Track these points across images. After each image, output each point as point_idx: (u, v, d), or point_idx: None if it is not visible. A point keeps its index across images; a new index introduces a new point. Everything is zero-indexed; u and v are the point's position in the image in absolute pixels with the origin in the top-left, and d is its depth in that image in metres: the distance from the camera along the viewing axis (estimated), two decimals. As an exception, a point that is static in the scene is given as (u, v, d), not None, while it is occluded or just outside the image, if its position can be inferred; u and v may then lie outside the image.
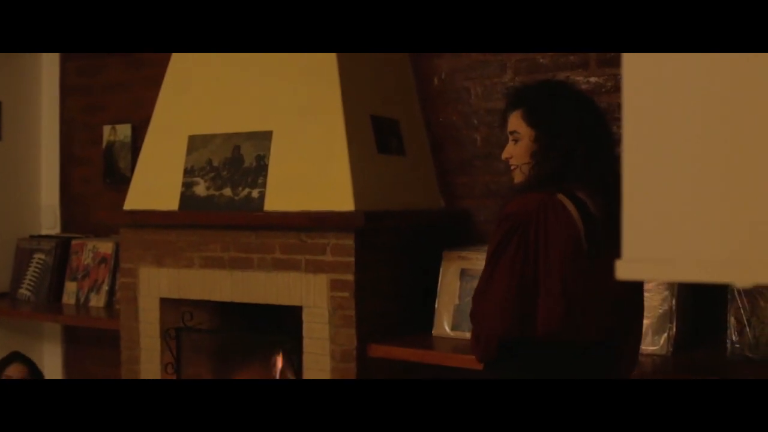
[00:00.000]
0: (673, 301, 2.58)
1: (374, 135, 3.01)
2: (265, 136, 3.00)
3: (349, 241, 2.77)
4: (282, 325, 3.10)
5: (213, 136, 3.12)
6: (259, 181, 2.96)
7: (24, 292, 4.04)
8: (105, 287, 3.82)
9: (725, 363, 2.46)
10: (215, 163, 3.09)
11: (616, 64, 2.96)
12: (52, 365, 4.22)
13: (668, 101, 0.65)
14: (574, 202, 1.90)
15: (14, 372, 3.40)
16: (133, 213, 3.24)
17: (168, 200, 3.14)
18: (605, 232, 1.89)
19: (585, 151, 1.93)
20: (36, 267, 4.03)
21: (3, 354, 3.55)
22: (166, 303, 3.20)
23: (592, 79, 3.01)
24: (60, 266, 3.98)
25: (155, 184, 3.22)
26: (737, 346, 2.47)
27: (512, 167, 2.04)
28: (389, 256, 2.93)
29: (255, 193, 2.96)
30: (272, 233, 2.92)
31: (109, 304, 3.79)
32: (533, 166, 1.98)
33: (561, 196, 1.90)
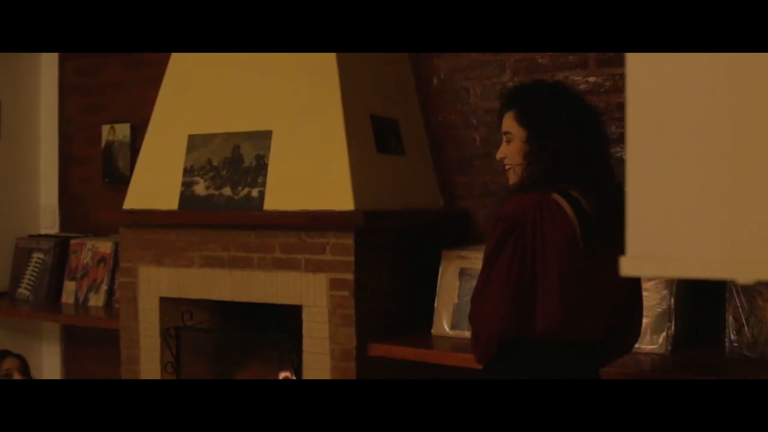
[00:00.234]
0: (672, 300, 2.59)
1: (374, 135, 3.01)
2: (265, 136, 3.01)
3: (349, 241, 2.78)
4: (282, 324, 3.11)
5: (213, 136, 3.13)
6: (259, 180, 2.97)
7: (23, 291, 4.04)
8: (104, 287, 3.82)
9: (724, 362, 2.47)
10: (215, 163, 3.09)
11: (615, 64, 2.97)
12: (51, 365, 4.23)
13: (671, 100, 0.65)
14: (569, 201, 1.91)
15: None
16: (133, 212, 3.24)
17: (168, 200, 3.15)
18: (600, 231, 1.90)
19: (577, 150, 1.94)
20: (35, 266, 4.04)
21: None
22: (165, 302, 3.20)
23: (591, 79, 3.02)
24: (59, 266, 3.99)
25: (155, 183, 3.22)
26: (735, 344, 2.48)
27: (507, 167, 2.05)
28: (389, 255, 2.94)
29: (255, 193, 2.96)
30: (272, 233, 2.92)
31: (108, 303, 3.79)
32: (526, 166, 1.99)
33: (556, 196, 1.91)
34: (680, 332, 2.62)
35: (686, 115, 0.65)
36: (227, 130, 3.10)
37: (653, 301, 2.60)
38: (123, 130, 4.05)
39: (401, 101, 3.25)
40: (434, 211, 3.22)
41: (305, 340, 2.86)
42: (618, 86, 2.97)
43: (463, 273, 2.93)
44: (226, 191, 3.03)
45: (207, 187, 3.08)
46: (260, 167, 2.98)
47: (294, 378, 3.02)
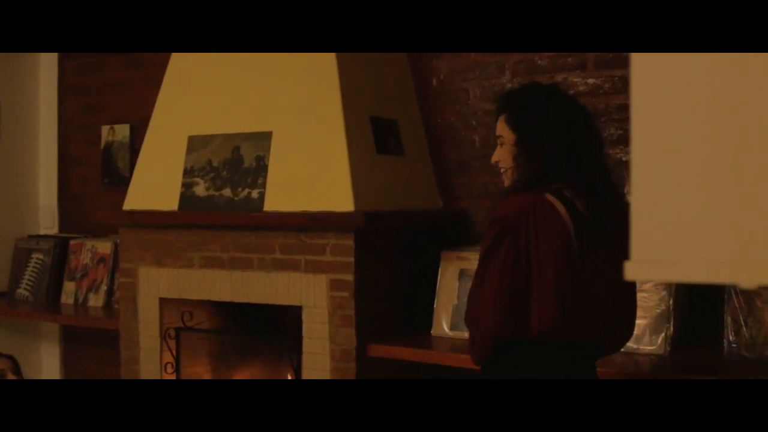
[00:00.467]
0: (671, 301, 2.60)
1: (373, 136, 3.02)
2: (265, 137, 3.01)
3: (349, 242, 2.78)
4: (281, 325, 3.11)
5: (212, 137, 3.14)
6: (259, 181, 2.97)
7: (22, 291, 4.05)
8: (104, 287, 3.82)
9: (722, 362, 2.48)
10: (215, 164, 3.10)
11: (614, 65, 2.98)
12: (50, 365, 4.23)
13: (675, 105, 0.66)
14: (562, 202, 1.92)
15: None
16: (133, 213, 3.24)
17: (168, 200, 3.15)
18: (594, 231, 1.92)
19: (568, 153, 1.95)
20: (34, 267, 4.04)
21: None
22: (165, 303, 3.20)
23: (590, 81, 3.03)
24: (58, 266, 3.99)
25: (155, 184, 3.23)
26: (734, 345, 2.49)
27: (501, 171, 2.08)
28: (388, 256, 2.94)
29: (255, 194, 2.97)
30: (272, 233, 2.93)
31: (108, 304, 3.80)
32: (515, 169, 2.01)
33: (549, 196, 1.92)
34: (679, 333, 2.63)
35: (690, 119, 0.66)
36: (227, 131, 3.11)
37: (652, 302, 2.61)
38: (122, 131, 4.05)
39: (401, 102, 3.26)
40: (433, 212, 3.23)
41: (305, 341, 2.87)
42: (617, 88, 2.98)
43: (462, 274, 2.94)
44: (226, 192, 3.04)
45: (207, 188, 3.08)
46: (260, 168, 2.99)
47: (292, 378, 3.03)
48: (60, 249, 4.01)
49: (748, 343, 2.48)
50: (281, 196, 2.92)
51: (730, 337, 2.50)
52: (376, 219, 2.83)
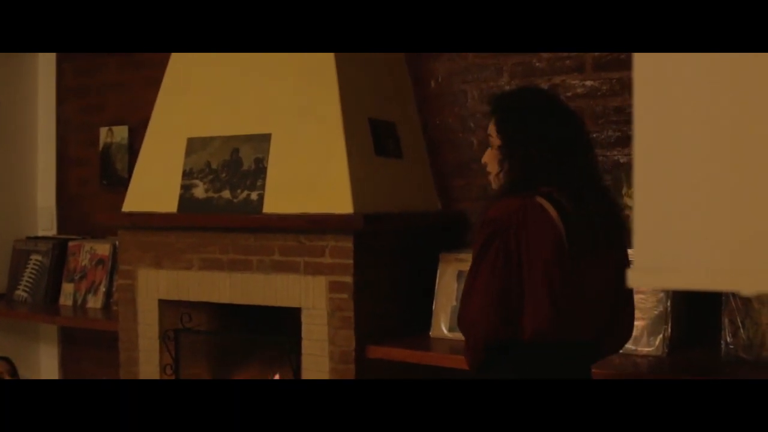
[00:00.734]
0: (668, 303, 2.61)
1: (372, 137, 3.03)
2: (264, 139, 3.02)
3: (348, 244, 2.79)
4: (281, 326, 3.12)
5: (211, 139, 3.14)
6: (258, 183, 2.98)
7: (21, 293, 4.05)
8: (102, 288, 3.83)
9: (719, 364, 2.49)
10: (214, 166, 3.10)
11: (612, 67, 2.99)
12: (48, 367, 4.23)
13: (677, 111, 0.67)
14: (552, 204, 1.94)
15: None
16: (132, 215, 3.25)
17: (167, 202, 3.16)
18: (586, 233, 1.93)
19: (553, 158, 1.98)
20: (33, 268, 4.04)
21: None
22: (164, 304, 3.21)
23: (588, 83, 3.04)
24: (57, 267, 3.99)
25: (154, 186, 3.23)
26: (731, 347, 2.51)
27: (488, 173, 2.10)
28: (387, 258, 2.95)
29: (254, 196, 2.98)
30: (271, 235, 2.94)
31: (107, 305, 3.80)
32: (501, 174, 2.04)
33: (540, 199, 1.94)
34: (676, 334, 2.64)
35: (692, 126, 0.67)
36: (226, 133, 3.11)
37: (650, 304, 2.63)
38: (121, 132, 4.06)
39: (399, 104, 3.27)
40: (432, 214, 3.24)
41: (304, 343, 2.88)
42: (615, 90, 3.00)
43: (461, 275, 2.95)
44: (226, 194, 3.04)
45: (206, 190, 3.09)
46: (259, 170, 2.99)
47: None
48: (58, 250, 4.01)
49: (745, 344, 2.49)
50: (280, 198, 2.93)
51: (728, 339, 2.51)
52: (375, 221, 2.84)
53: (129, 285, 3.27)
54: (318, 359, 2.84)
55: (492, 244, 1.92)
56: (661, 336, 2.60)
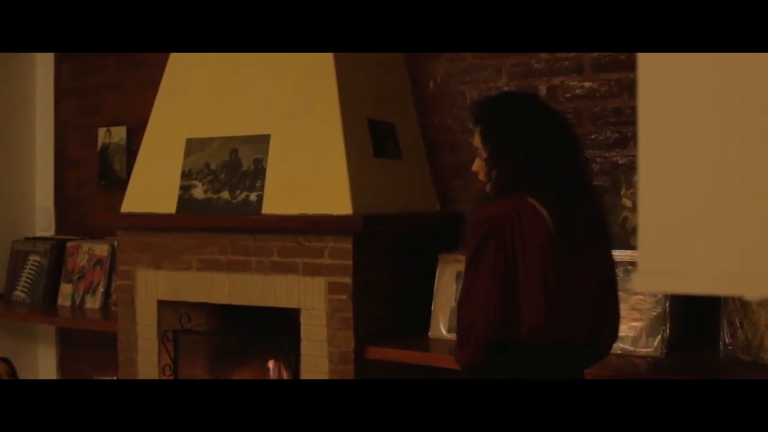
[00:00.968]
0: (667, 304, 2.62)
1: (371, 138, 3.03)
2: (263, 140, 3.02)
3: (347, 244, 2.79)
4: (280, 327, 3.12)
5: (210, 140, 3.14)
6: (257, 184, 2.98)
7: (19, 293, 4.04)
8: (101, 289, 3.83)
9: (718, 365, 2.50)
10: (213, 167, 3.10)
11: (611, 69, 3.00)
12: (46, 367, 4.23)
13: (682, 114, 0.67)
14: (544, 205, 1.97)
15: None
16: (131, 216, 3.25)
17: (166, 203, 3.16)
18: (576, 233, 1.97)
19: (540, 162, 2.01)
20: (31, 269, 4.04)
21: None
22: (163, 305, 3.21)
23: (587, 84, 3.05)
24: (55, 268, 3.99)
25: (153, 186, 3.23)
26: (730, 348, 2.51)
27: (480, 180, 2.14)
28: (386, 258, 2.96)
29: (253, 197, 2.98)
30: (270, 236, 2.94)
31: (105, 306, 3.80)
32: (493, 181, 2.08)
33: (532, 200, 1.97)
34: (675, 335, 2.65)
35: (697, 130, 0.67)
36: (225, 134, 3.11)
37: (648, 305, 2.63)
38: (119, 133, 4.05)
39: (398, 105, 3.27)
40: (431, 215, 3.24)
41: (303, 344, 2.88)
42: (613, 91, 3.00)
43: (459, 276, 2.95)
44: (225, 195, 3.04)
45: (205, 191, 3.09)
46: (258, 171, 2.99)
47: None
48: (57, 251, 4.01)
49: (743, 345, 2.50)
50: (279, 198, 2.93)
51: (726, 340, 2.52)
52: (374, 222, 2.84)
53: (128, 286, 3.27)
54: (317, 360, 2.84)
55: (488, 243, 1.94)
56: (659, 337, 2.61)
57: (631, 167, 2.93)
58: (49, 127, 4.29)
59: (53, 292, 3.97)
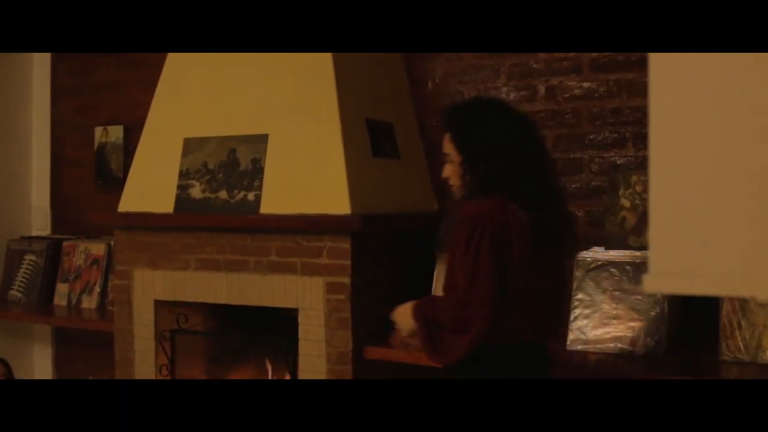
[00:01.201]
0: (665, 304, 2.62)
1: (369, 138, 3.03)
2: (261, 139, 3.01)
3: (345, 244, 2.79)
4: (278, 327, 3.11)
5: (208, 139, 3.13)
6: (255, 184, 2.97)
7: (15, 293, 4.03)
8: (97, 289, 3.81)
9: (716, 365, 2.50)
10: (210, 166, 3.09)
11: (610, 69, 3.00)
12: (42, 367, 4.21)
13: (694, 117, 0.67)
14: (520, 207, 2.03)
15: None
16: (128, 215, 3.24)
17: (163, 202, 3.15)
18: (544, 233, 2.04)
19: (510, 166, 2.06)
20: (27, 268, 4.02)
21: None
22: (160, 305, 3.20)
23: (585, 84, 3.05)
24: (51, 268, 3.97)
25: (150, 186, 3.22)
26: (728, 348, 2.51)
27: (451, 186, 2.18)
28: (384, 258, 2.95)
29: (251, 196, 2.97)
30: (268, 236, 2.93)
31: (101, 305, 3.79)
32: (465, 186, 2.12)
33: (505, 200, 2.03)
34: (673, 335, 2.65)
35: (708, 133, 0.67)
36: (223, 133, 3.10)
37: (647, 305, 2.63)
38: (116, 132, 4.04)
39: (396, 105, 3.27)
40: (429, 215, 3.24)
41: (301, 344, 2.87)
42: (612, 91, 3.00)
43: (458, 276, 2.95)
44: (222, 194, 3.03)
45: (203, 191, 3.08)
46: (256, 171, 2.99)
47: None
48: (53, 250, 3.99)
49: (742, 345, 2.50)
50: (277, 198, 2.92)
51: (725, 340, 2.52)
52: (373, 222, 2.84)
53: (125, 285, 3.26)
54: (315, 360, 2.84)
55: (477, 239, 1.98)
56: (658, 337, 2.61)
57: (630, 167, 2.93)
58: (45, 127, 4.28)
59: (49, 291, 3.96)
